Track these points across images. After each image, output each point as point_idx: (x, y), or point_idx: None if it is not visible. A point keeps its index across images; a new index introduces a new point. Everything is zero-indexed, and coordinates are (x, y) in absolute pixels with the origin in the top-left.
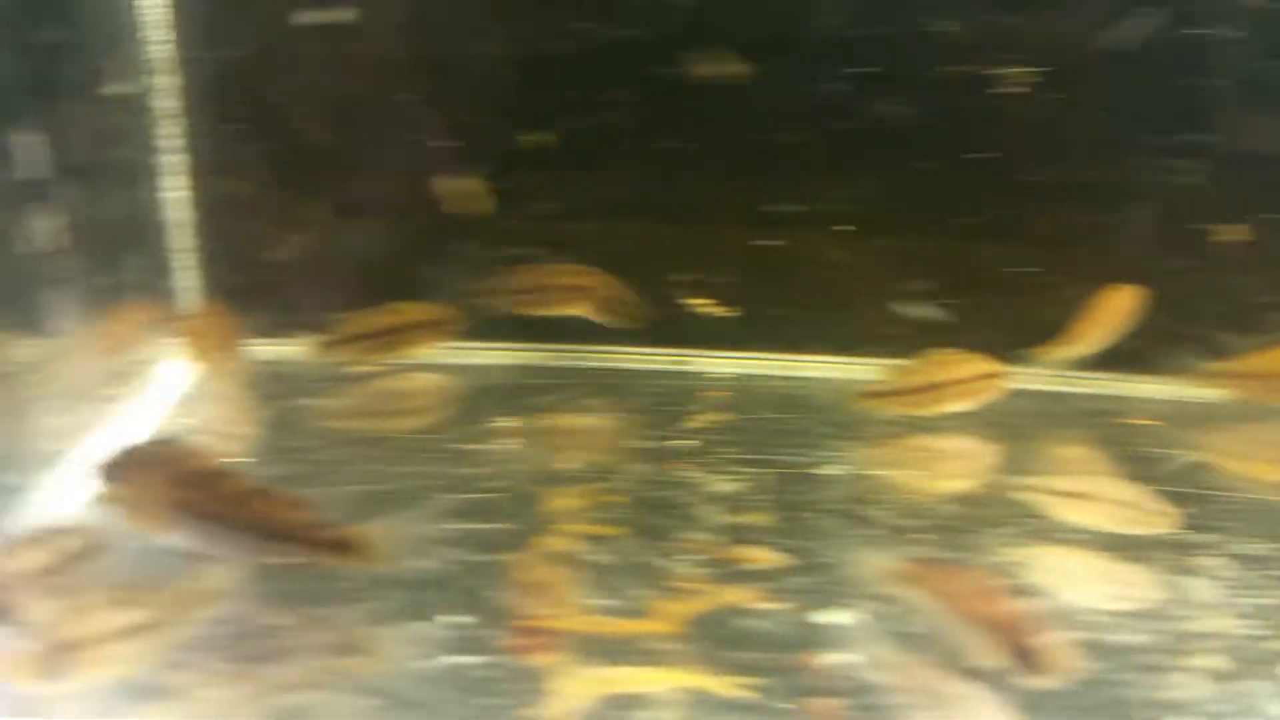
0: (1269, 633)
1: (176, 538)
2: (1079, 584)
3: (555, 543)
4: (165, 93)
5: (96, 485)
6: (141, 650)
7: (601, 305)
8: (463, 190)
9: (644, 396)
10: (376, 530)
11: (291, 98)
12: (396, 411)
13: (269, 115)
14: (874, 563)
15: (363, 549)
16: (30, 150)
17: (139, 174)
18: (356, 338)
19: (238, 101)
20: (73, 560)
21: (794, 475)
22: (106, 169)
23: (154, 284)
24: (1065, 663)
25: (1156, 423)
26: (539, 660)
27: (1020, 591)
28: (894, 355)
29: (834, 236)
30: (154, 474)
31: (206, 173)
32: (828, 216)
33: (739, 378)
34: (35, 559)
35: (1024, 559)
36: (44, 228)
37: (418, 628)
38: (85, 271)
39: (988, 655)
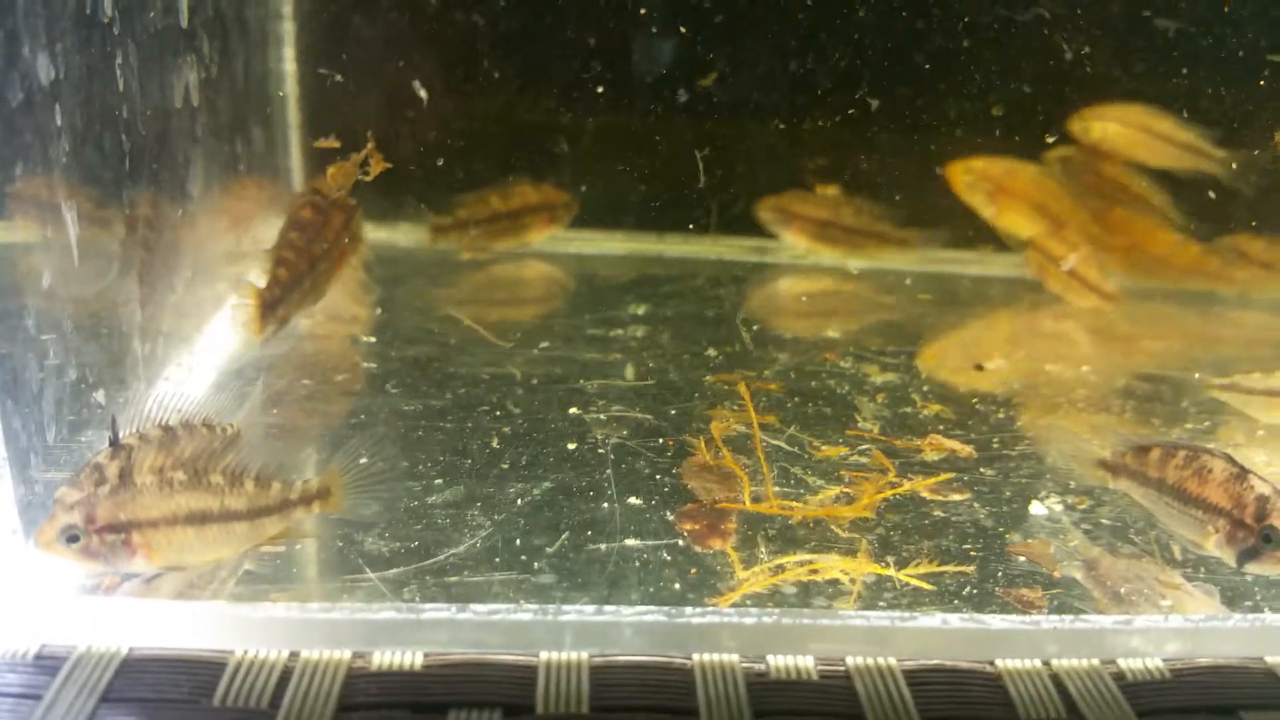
0: None
1: None
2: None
3: (722, 428)
4: None
5: None
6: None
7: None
8: None
9: (767, 288)
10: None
11: None
12: (513, 299)
13: None
14: (1073, 451)
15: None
16: None
17: (265, 42)
18: (470, 223)
19: None
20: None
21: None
22: (236, 29)
23: (271, 162)
24: None
25: None
26: (717, 545)
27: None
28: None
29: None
30: None
31: (325, 47)
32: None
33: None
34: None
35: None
36: (177, 81)
37: (591, 508)
38: (211, 137)
39: (1216, 538)
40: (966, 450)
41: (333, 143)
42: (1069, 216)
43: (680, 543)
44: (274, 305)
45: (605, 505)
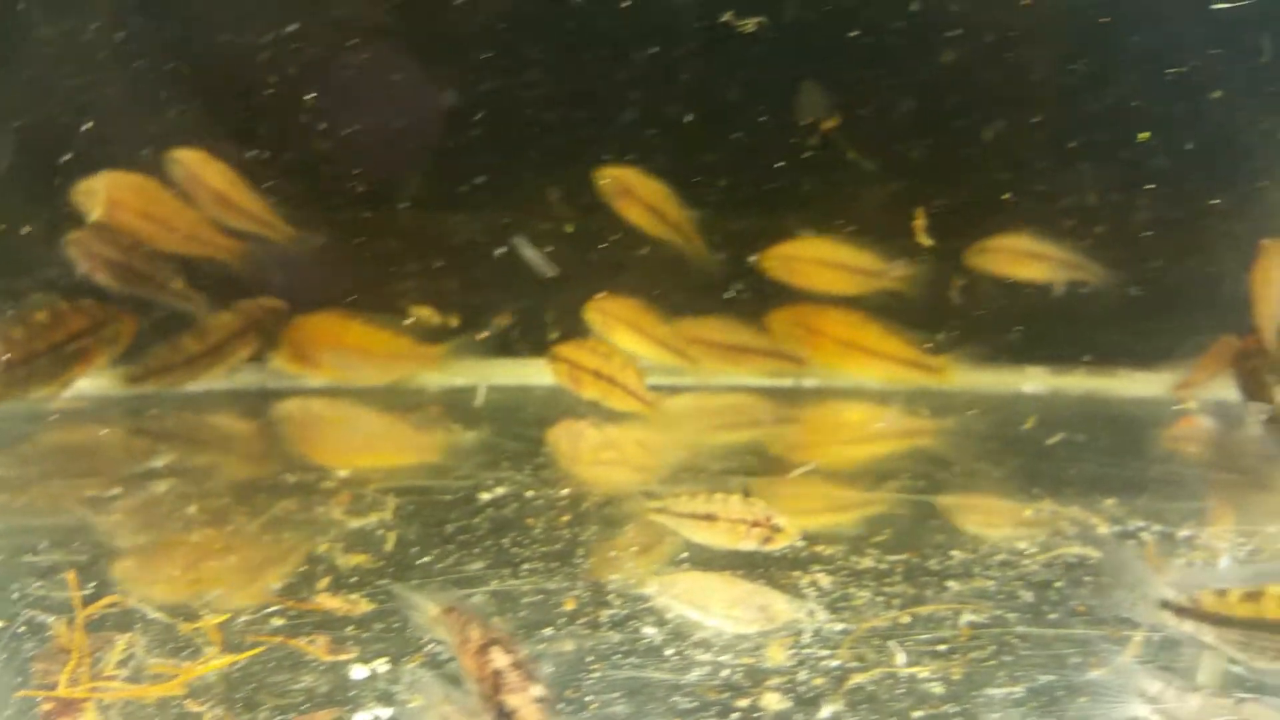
0: (845, 664)
1: None
2: (682, 608)
3: (108, 601)
4: None
5: None
6: None
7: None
8: None
9: None
10: None
11: None
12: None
13: None
14: (426, 605)
15: None
16: None
17: None
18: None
19: None
20: None
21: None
22: None
23: None
24: None
25: None
26: None
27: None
28: None
29: None
30: None
31: None
32: None
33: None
34: None
35: (640, 583)
36: None
37: None
38: None
39: (479, 710)
40: (357, 607)
41: None
42: None
43: None
44: None
45: None
